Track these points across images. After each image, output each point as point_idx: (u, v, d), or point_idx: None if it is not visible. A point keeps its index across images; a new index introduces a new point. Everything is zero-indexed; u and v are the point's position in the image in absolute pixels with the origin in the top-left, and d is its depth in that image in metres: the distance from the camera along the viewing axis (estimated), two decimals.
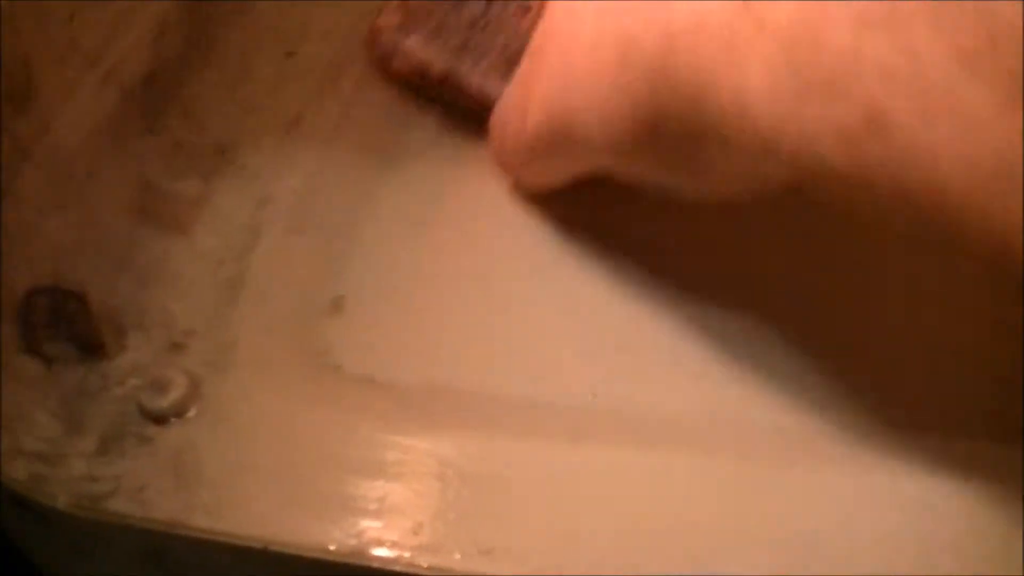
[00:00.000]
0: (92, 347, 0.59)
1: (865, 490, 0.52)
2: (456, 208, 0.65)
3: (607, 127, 0.48)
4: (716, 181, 0.48)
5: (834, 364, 0.57)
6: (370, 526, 0.51)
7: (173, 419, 0.57)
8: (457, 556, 0.50)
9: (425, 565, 0.49)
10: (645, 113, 0.45)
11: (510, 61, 0.62)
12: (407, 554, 0.50)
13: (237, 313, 0.61)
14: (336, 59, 0.73)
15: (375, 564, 0.50)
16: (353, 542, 0.51)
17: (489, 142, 0.63)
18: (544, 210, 0.64)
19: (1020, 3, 0.31)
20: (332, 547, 0.51)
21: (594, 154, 0.51)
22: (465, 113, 0.67)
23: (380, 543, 0.50)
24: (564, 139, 0.52)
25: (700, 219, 0.62)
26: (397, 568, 0.50)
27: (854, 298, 0.59)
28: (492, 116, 0.62)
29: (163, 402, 0.56)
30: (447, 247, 0.63)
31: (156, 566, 0.58)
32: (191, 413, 0.57)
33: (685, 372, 0.57)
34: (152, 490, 0.54)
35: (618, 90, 0.45)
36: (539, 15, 0.59)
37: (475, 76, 0.64)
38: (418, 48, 0.65)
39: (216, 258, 0.63)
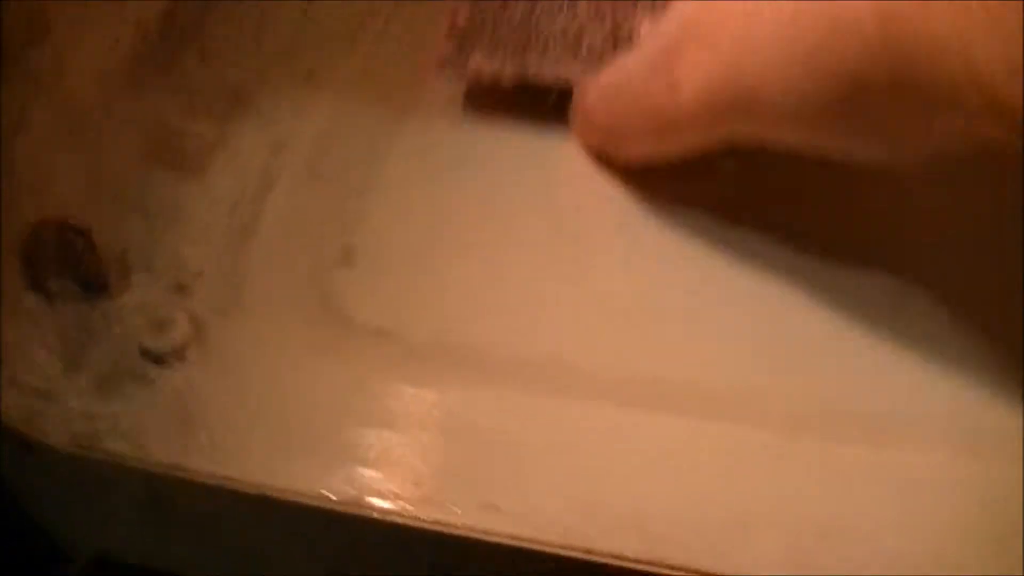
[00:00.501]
0: (96, 285, 0.58)
1: (883, 470, 0.50)
2: (473, 163, 0.63)
3: (802, 92, 0.48)
4: (911, 146, 0.49)
5: (860, 341, 0.56)
6: (371, 476, 0.50)
7: (174, 361, 0.55)
8: (458, 510, 0.48)
9: (424, 518, 0.48)
10: (854, 79, 0.46)
11: (575, 42, 0.63)
12: (407, 506, 0.49)
13: (247, 258, 0.60)
14: (357, 9, 0.72)
15: (374, 514, 0.49)
16: (352, 492, 0.49)
17: (582, 120, 0.63)
18: (565, 167, 0.62)
19: None
20: (331, 496, 0.49)
21: (773, 121, 0.52)
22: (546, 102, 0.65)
23: (380, 494, 0.49)
24: (744, 105, 0.52)
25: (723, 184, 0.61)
26: (396, 519, 0.48)
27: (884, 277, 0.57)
28: (590, 96, 0.61)
29: (164, 342, 0.55)
30: (463, 201, 0.62)
31: (153, 512, 0.56)
32: (192, 355, 0.55)
33: (702, 339, 0.56)
34: (150, 431, 0.53)
35: (820, 57, 0.46)
36: None
37: (546, 68, 0.63)
38: (484, 63, 0.64)
39: (229, 202, 0.62)
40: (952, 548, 0.47)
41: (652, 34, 0.57)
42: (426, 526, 0.48)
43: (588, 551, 0.47)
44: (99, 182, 0.61)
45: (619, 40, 0.61)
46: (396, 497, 0.49)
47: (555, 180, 0.62)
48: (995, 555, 0.47)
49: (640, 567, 0.47)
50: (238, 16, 0.71)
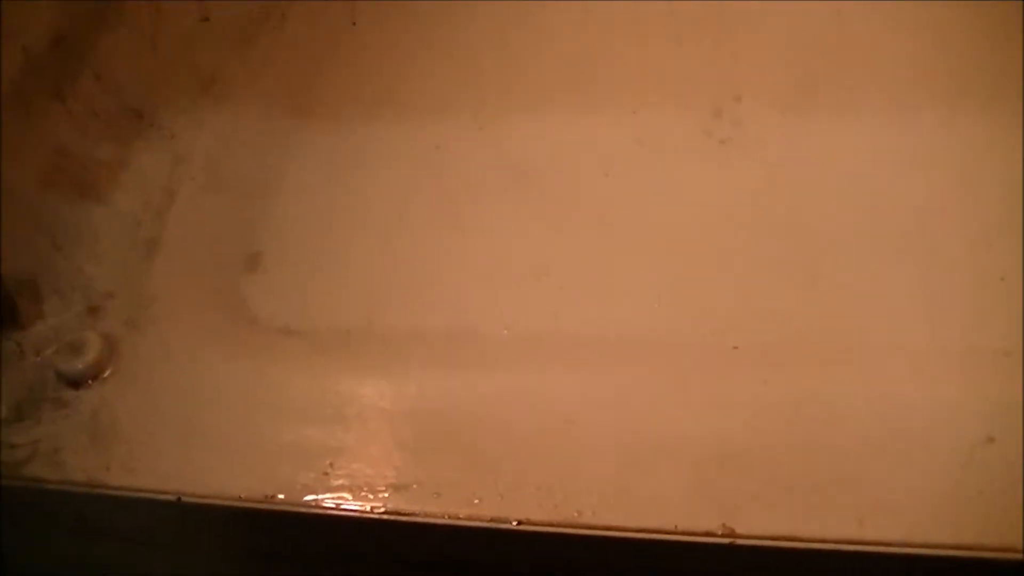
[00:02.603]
0: (6, 317, 0.58)
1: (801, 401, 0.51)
2: (371, 159, 0.64)
3: None
4: None
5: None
6: (281, 471, 0.51)
7: (90, 381, 0.56)
8: (367, 494, 0.49)
9: (332, 506, 0.49)
10: None
11: None
12: (315, 497, 0.49)
13: (155, 272, 0.60)
14: (251, 19, 0.72)
15: (284, 508, 0.49)
16: (264, 488, 0.50)
17: None
18: (456, 151, 0.64)
19: None
20: (242, 495, 0.50)
21: None
22: None
23: (290, 488, 0.50)
24: None
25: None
26: (303, 511, 0.49)
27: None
28: None
29: (78, 364, 0.56)
30: (361, 196, 0.62)
31: (84, 532, 0.57)
32: (107, 373, 0.56)
33: (604, 296, 0.56)
34: (68, 452, 0.54)
35: None
36: None
37: None
38: None
39: (134, 219, 0.63)
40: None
41: None
42: (335, 513, 0.49)
43: (494, 519, 0.47)
44: (1, 214, 0.61)
45: None
46: (305, 489, 0.50)
47: (453, 164, 0.63)
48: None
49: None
50: (132, 34, 0.71)
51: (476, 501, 0.49)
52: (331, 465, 0.51)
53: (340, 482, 0.50)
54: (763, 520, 0.47)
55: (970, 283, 0.55)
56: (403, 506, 0.49)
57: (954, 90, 0.63)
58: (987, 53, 0.64)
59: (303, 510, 0.49)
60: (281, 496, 0.50)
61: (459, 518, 0.49)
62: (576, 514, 0.48)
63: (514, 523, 0.47)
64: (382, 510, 0.49)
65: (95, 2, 0.69)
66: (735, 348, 0.53)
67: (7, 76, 0.63)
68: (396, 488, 0.49)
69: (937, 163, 0.60)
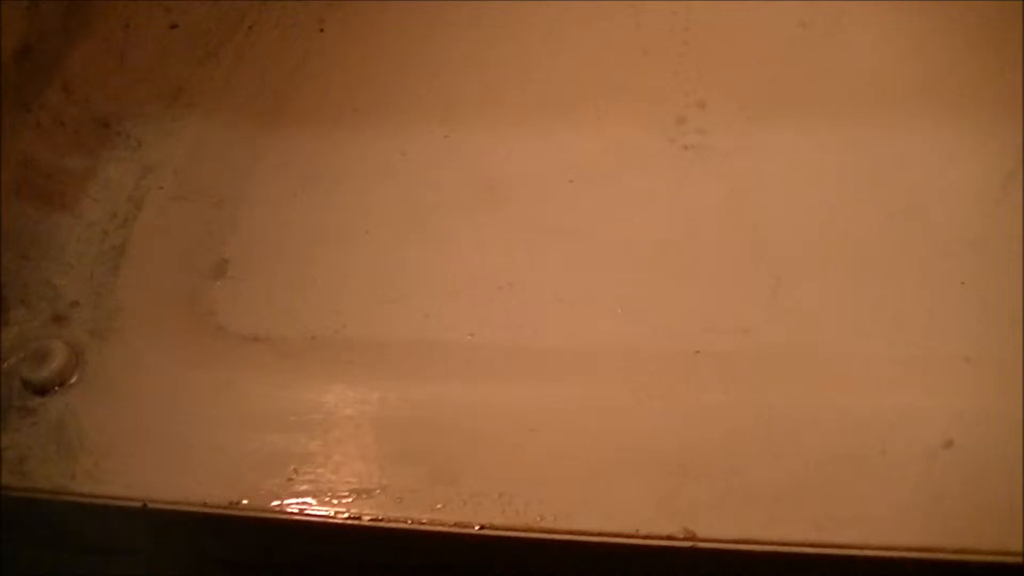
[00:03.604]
0: None
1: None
2: (337, 167, 0.64)
3: None
4: None
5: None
6: (247, 477, 0.51)
7: (56, 388, 0.56)
8: (331, 499, 0.49)
9: (296, 511, 0.49)
10: None
11: None
12: (279, 502, 0.49)
13: (121, 281, 0.60)
14: (219, 28, 0.72)
15: (248, 514, 0.49)
16: (228, 495, 0.50)
17: None
18: (421, 158, 0.64)
19: None
20: (206, 501, 0.50)
21: None
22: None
23: (255, 494, 0.50)
24: None
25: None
26: (268, 516, 0.49)
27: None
28: None
29: (44, 372, 0.56)
30: (327, 205, 0.63)
31: (52, 541, 0.57)
32: (73, 380, 0.56)
33: (567, 304, 0.57)
34: (35, 460, 0.54)
35: None
36: None
37: None
38: None
39: (100, 228, 0.63)
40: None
41: None
42: (299, 519, 0.49)
43: (456, 524, 0.48)
44: None
45: None
46: (270, 495, 0.50)
47: (421, 175, 0.63)
48: None
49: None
50: (100, 44, 0.71)
51: (439, 506, 0.49)
52: (295, 471, 0.51)
53: (304, 488, 0.50)
54: (724, 526, 0.47)
55: (930, 288, 0.55)
56: (366, 511, 0.49)
57: (916, 99, 0.64)
58: (950, 62, 0.65)
59: (267, 515, 0.49)
60: (245, 502, 0.50)
61: (421, 523, 0.49)
62: (539, 519, 0.48)
63: (476, 528, 0.48)
64: (345, 515, 0.49)
65: (62, 11, 0.69)
66: (697, 352, 0.53)
67: None
68: (359, 493, 0.50)
69: (899, 169, 0.61)
